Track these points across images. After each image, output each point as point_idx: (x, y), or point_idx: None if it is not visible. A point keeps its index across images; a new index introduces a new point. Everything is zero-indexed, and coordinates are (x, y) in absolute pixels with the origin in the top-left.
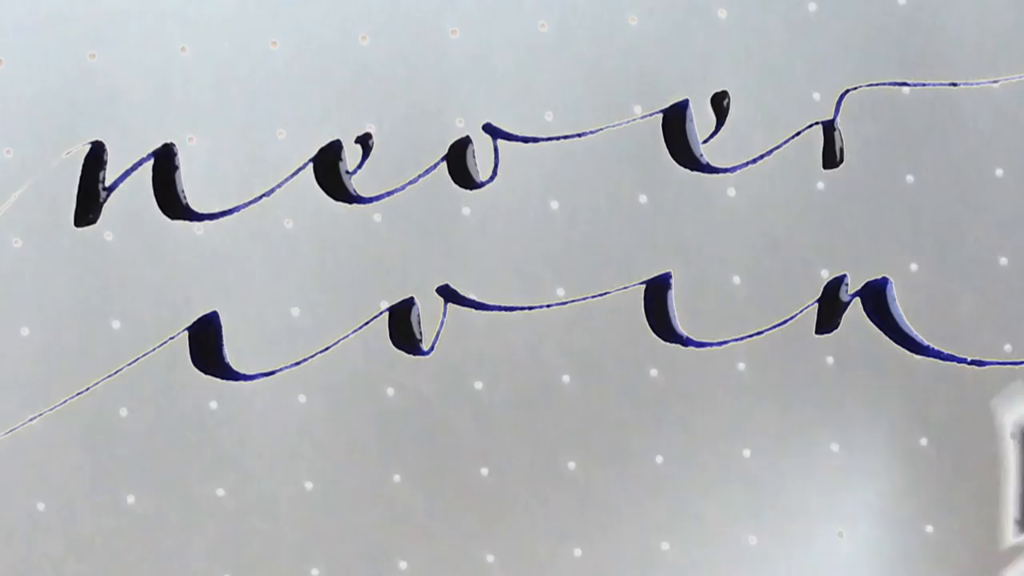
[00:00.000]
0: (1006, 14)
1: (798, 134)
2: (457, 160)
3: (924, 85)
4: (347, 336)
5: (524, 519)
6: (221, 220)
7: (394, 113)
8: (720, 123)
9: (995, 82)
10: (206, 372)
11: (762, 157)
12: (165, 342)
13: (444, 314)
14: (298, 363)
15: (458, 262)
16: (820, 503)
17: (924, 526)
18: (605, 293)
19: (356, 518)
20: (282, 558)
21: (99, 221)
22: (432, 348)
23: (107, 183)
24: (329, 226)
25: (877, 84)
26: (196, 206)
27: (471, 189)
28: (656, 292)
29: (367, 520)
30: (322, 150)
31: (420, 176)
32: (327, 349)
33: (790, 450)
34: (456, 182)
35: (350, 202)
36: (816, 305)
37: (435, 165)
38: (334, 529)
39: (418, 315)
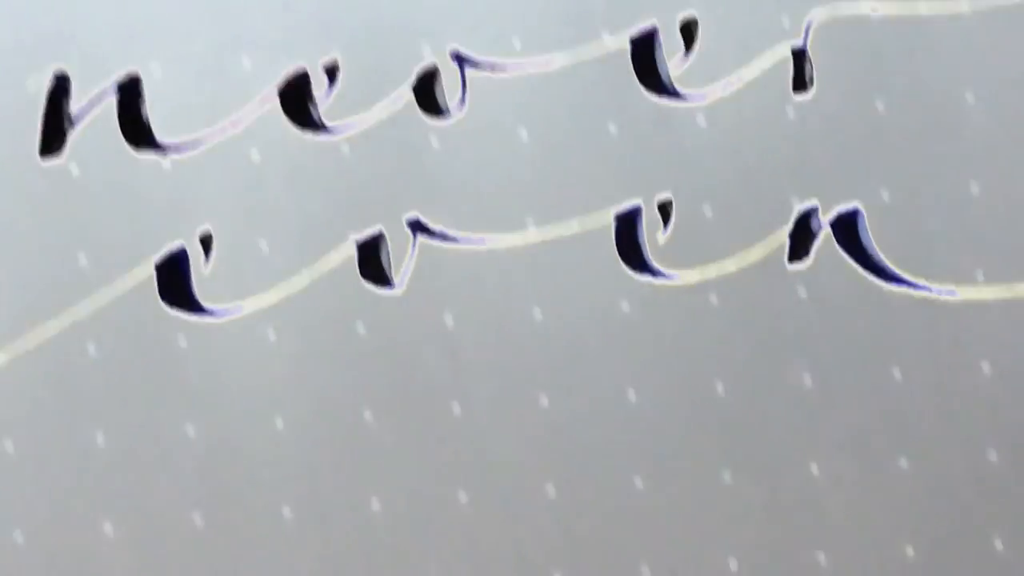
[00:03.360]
0: None
1: (768, 61)
2: (424, 89)
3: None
4: (316, 270)
5: (496, 455)
6: (188, 153)
7: (361, 42)
8: (688, 50)
9: (963, 4)
10: (174, 308)
11: (731, 85)
12: (133, 277)
13: (413, 247)
14: (267, 298)
15: (427, 194)
16: (793, 436)
17: (898, 459)
18: (576, 225)
19: (327, 456)
20: (253, 496)
21: (65, 155)
22: (402, 282)
23: (72, 114)
24: (296, 157)
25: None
26: (162, 138)
27: (439, 119)
28: (626, 223)
29: (339, 458)
30: (288, 79)
31: (388, 106)
32: (296, 283)
33: (762, 382)
34: (424, 112)
35: (317, 132)
36: (788, 235)
37: (402, 95)
38: (305, 467)
39: (387, 249)
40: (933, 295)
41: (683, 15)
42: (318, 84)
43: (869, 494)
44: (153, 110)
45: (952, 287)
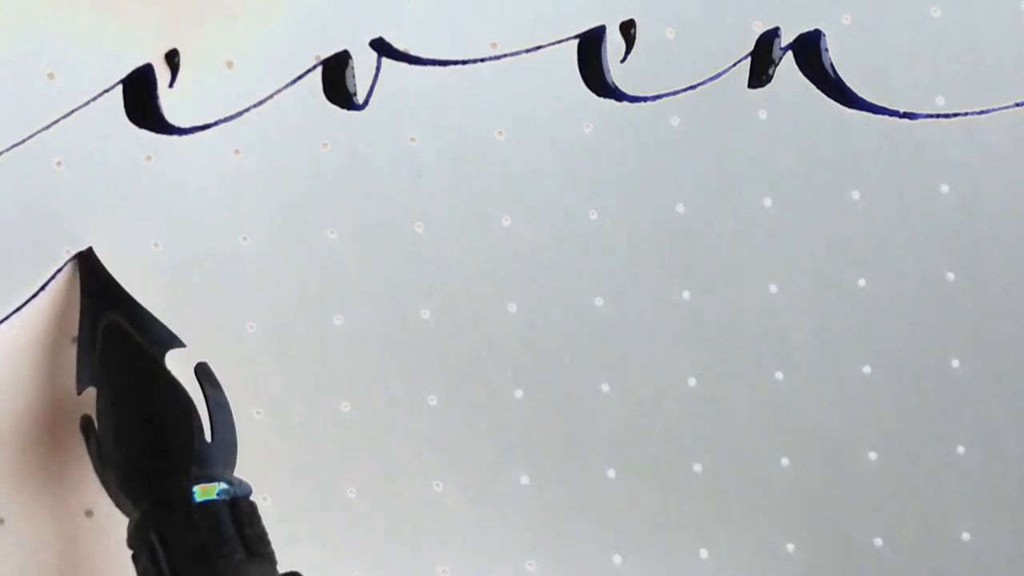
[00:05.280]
0: None
1: None
2: None
3: None
4: (281, 90)
5: (459, 273)
6: None
7: None
8: None
9: None
10: (140, 126)
11: None
12: (100, 95)
13: (378, 68)
14: (232, 117)
15: (391, 14)
16: (752, 256)
17: (856, 279)
18: (539, 47)
19: (292, 274)
20: (218, 312)
21: None
22: (366, 103)
23: None
24: None
25: None
26: None
27: None
28: (589, 46)
29: (303, 276)
30: None
31: None
32: (261, 103)
33: (723, 205)
34: None
35: None
36: (749, 59)
37: None
38: (271, 284)
39: (352, 69)
40: (892, 118)
41: None
42: None
43: (828, 313)
44: None
45: (911, 110)
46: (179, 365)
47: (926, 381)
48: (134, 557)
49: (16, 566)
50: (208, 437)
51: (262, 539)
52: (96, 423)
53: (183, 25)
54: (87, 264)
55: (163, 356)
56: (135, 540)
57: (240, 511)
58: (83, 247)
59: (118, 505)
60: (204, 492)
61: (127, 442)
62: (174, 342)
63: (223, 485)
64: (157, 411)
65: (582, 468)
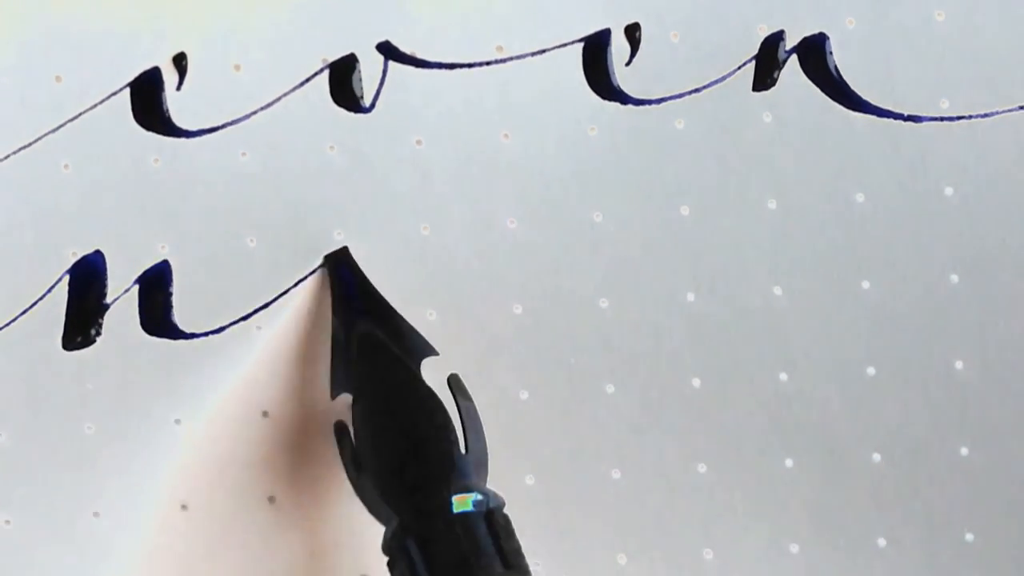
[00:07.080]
0: None
1: None
2: None
3: None
4: (288, 93)
5: (465, 274)
6: None
7: None
8: None
9: None
10: (148, 129)
11: None
12: (107, 98)
13: (384, 71)
14: (239, 120)
15: (398, 18)
16: (757, 258)
17: (860, 281)
18: (544, 50)
19: (299, 276)
20: (223, 312)
21: None
22: (373, 106)
23: None
24: None
25: None
26: None
27: None
28: (594, 49)
29: (309, 278)
30: None
31: None
32: (268, 106)
33: (727, 207)
34: None
35: None
36: (753, 62)
37: None
38: (276, 285)
39: (359, 72)
40: (896, 121)
41: None
42: None
43: (832, 315)
44: None
45: (915, 113)
46: (430, 373)
47: (930, 383)
48: (390, 564)
49: (24, 565)
50: (462, 449)
51: (519, 552)
52: (351, 430)
53: (190, 28)
54: (338, 266)
55: (419, 366)
56: (392, 547)
57: (496, 523)
58: (90, 250)
59: (373, 512)
60: (460, 503)
61: (386, 451)
62: (428, 351)
63: (478, 496)
64: (416, 422)
65: (587, 468)
